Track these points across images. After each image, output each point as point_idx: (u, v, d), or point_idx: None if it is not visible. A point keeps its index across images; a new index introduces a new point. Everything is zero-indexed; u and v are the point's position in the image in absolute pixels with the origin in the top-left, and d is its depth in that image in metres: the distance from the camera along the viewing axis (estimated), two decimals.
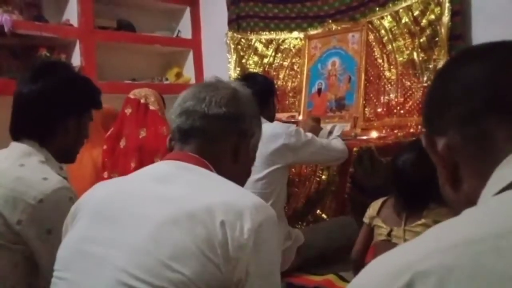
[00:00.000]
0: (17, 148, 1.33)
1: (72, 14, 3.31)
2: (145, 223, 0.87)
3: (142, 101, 2.44)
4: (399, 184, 1.75)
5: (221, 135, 1.06)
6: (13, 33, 2.94)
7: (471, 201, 0.59)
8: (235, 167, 1.09)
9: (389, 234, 1.75)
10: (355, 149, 2.39)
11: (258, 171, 2.10)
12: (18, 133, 1.37)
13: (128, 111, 2.38)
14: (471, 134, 0.61)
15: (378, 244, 1.80)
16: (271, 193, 2.11)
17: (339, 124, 2.49)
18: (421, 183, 1.66)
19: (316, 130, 2.47)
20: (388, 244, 1.72)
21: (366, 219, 1.88)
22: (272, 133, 2.13)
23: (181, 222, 0.84)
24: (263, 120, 2.16)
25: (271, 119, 2.32)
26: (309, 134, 2.25)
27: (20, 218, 1.20)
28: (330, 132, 2.47)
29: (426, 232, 0.55)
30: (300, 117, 3.10)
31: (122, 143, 2.33)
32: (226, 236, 0.82)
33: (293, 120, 2.93)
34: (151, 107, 2.45)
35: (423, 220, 1.71)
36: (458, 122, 0.62)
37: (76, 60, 3.25)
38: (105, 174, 2.33)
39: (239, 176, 1.12)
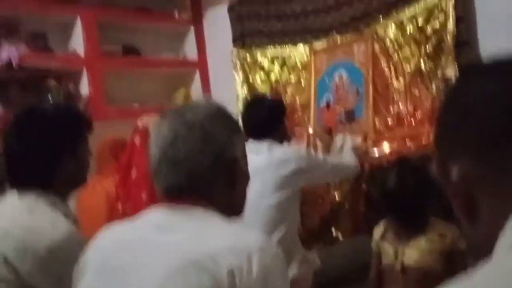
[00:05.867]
0: (23, 196, 1.33)
1: (78, 42, 3.33)
2: (151, 277, 0.87)
3: (151, 130, 2.43)
4: (393, 206, 1.76)
5: (211, 172, 1.02)
6: (20, 66, 2.97)
7: (489, 239, 0.52)
8: (233, 194, 1.06)
9: (395, 254, 1.75)
10: (366, 165, 2.36)
11: (269, 196, 2.08)
12: (18, 184, 1.36)
13: (137, 140, 2.39)
14: (491, 160, 0.53)
15: (384, 268, 1.82)
16: (284, 218, 2.09)
17: (350, 136, 2.46)
18: (415, 201, 1.69)
19: (328, 143, 2.45)
20: (393, 268, 1.76)
21: (373, 245, 1.90)
22: (283, 158, 2.12)
23: (186, 272, 0.84)
24: (272, 144, 2.18)
25: (283, 141, 2.29)
26: (320, 156, 2.22)
27: (31, 268, 1.20)
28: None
29: None
30: (310, 130, 3.07)
31: (134, 174, 2.34)
32: (234, 283, 0.82)
33: (306, 133, 2.91)
34: None
35: (428, 235, 1.73)
36: (476, 145, 0.54)
37: (84, 88, 3.27)
38: (119, 206, 2.34)
39: (239, 201, 1.10)
